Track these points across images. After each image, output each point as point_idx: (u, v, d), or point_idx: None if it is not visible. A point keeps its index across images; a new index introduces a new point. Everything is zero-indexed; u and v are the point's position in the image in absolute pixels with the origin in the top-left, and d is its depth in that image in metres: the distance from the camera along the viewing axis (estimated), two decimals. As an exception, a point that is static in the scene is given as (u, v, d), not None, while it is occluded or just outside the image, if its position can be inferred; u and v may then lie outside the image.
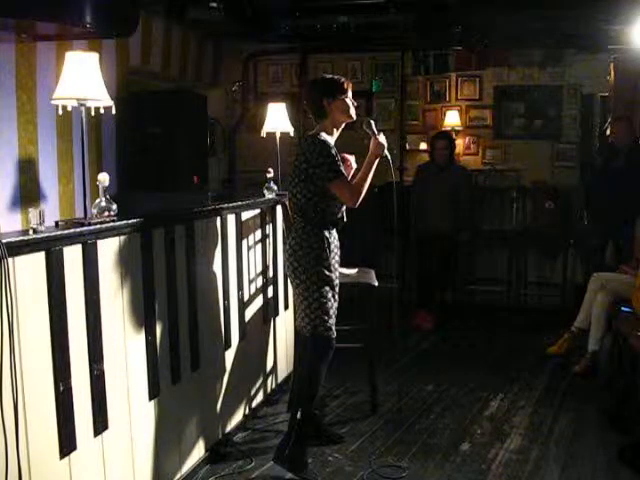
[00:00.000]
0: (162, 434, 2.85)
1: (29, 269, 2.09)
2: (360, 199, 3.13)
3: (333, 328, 3.17)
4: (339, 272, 3.29)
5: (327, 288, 3.13)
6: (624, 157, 5.03)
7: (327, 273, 3.13)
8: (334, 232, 3.26)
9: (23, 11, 3.12)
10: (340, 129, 3.24)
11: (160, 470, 2.84)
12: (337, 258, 3.28)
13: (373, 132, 3.17)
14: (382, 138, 3.16)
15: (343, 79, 3.19)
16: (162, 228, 2.84)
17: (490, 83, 6.52)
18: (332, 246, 3.20)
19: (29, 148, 3.78)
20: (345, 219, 3.29)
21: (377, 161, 3.14)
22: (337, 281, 3.25)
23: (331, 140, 3.17)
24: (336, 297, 3.23)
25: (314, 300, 3.13)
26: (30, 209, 2.24)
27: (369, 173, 3.12)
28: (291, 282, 3.29)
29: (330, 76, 3.29)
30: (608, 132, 5.79)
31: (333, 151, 3.09)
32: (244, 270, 3.64)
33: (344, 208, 3.25)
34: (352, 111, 3.19)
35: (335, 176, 3.04)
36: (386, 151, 3.15)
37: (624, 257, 4.74)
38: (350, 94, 3.20)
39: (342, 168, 3.10)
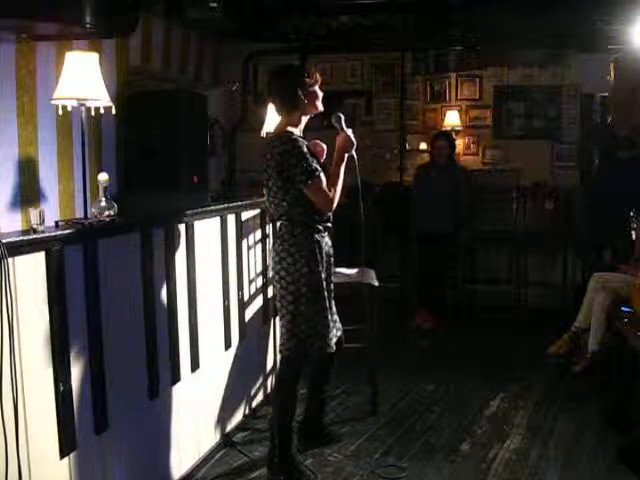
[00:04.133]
0: (162, 434, 2.85)
1: (29, 269, 2.09)
2: (335, 204, 2.91)
3: (317, 344, 2.92)
4: (339, 273, 3.23)
5: (318, 299, 2.90)
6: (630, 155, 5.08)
7: (317, 281, 2.89)
8: (326, 237, 3.04)
9: (23, 11, 3.12)
10: (306, 120, 3.02)
11: (160, 470, 2.84)
12: (331, 266, 3.08)
13: (341, 127, 2.99)
14: (351, 134, 2.98)
15: (311, 65, 3.00)
16: (162, 228, 2.84)
17: (490, 83, 6.52)
18: (324, 251, 2.97)
19: (29, 148, 3.77)
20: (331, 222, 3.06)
21: (345, 160, 2.95)
22: (332, 286, 3.07)
23: (299, 133, 2.97)
24: (332, 309, 3.04)
25: (300, 313, 2.89)
26: (30, 209, 2.24)
27: (339, 174, 2.92)
28: (276, 292, 3.02)
29: (296, 64, 3.00)
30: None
31: (304, 148, 2.85)
32: (244, 270, 3.64)
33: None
34: (319, 102, 2.97)
35: (309, 177, 2.80)
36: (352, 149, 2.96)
37: (623, 257, 4.74)
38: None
39: (316, 165, 2.85)
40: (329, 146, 3.14)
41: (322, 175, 2.86)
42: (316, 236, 2.93)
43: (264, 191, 2.98)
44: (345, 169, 2.98)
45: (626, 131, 5.28)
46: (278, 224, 3.00)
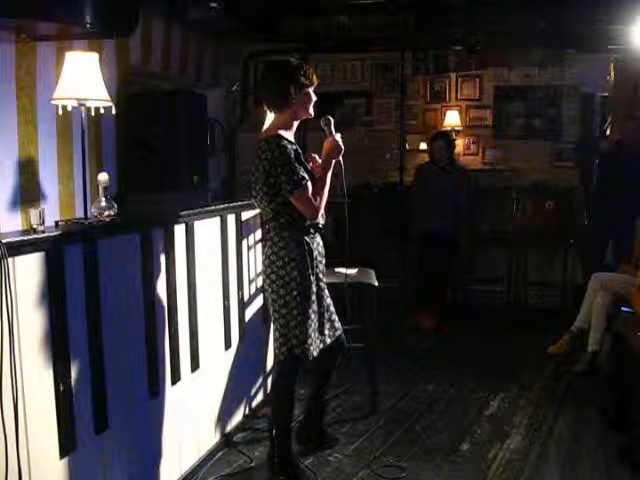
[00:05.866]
0: (162, 434, 2.85)
1: (29, 269, 2.09)
2: (320, 213, 2.83)
3: (311, 348, 2.87)
4: (339, 273, 3.22)
5: (308, 303, 2.84)
6: (630, 155, 5.07)
7: (308, 285, 2.82)
8: (317, 237, 2.96)
9: (23, 11, 3.12)
10: (297, 123, 2.91)
11: (160, 470, 2.84)
12: (322, 267, 2.99)
13: (330, 131, 2.88)
14: (339, 139, 2.87)
15: (310, 67, 2.84)
16: (162, 228, 2.84)
17: (490, 83, 6.53)
18: (315, 253, 2.90)
19: (29, 148, 3.77)
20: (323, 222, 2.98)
21: (332, 167, 2.86)
22: (326, 291, 3.02)
23: (289, 136, 2.84)
24: (322, 310, 2.96)
25: (292, 318, 2.83)
26: (30, 209, 2.24)
27: (326, 182, 2.82)
28: (267, 297, 2.96)
29: (295, 61, 2.89)
30: (608, 132, 5.80)
31: (292, 155, 2.75)
32: (244, 270, 3.64)
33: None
34: (311, 107, 2.86)
35: (295, 187, 2.72)
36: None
37: (624, 257, 4.74)
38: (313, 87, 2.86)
39: (303, 172, 2.76)
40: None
41: (309, 184, 2.78)
42: (305, 238, 2.86)
43: (252, 193, 2.89)
44: (332, 175, 2.89)
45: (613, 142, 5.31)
46: (267, 226, 2.93)
